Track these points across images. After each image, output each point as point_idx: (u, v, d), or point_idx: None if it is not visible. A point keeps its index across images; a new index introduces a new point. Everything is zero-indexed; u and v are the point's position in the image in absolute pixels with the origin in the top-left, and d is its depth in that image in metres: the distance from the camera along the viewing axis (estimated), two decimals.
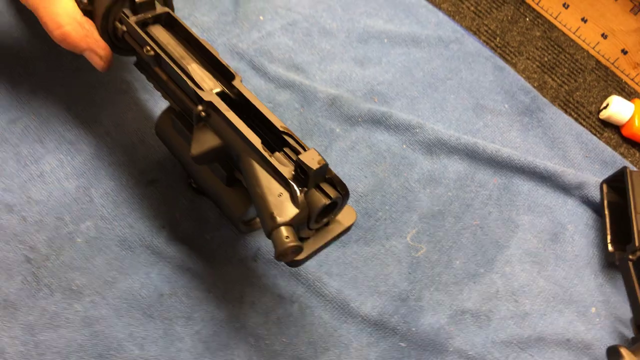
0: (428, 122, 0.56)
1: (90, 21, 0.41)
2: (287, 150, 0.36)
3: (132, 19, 0.40)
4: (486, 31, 0.71)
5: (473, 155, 0.56)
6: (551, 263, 0.51)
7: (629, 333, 0.49)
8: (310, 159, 0.33)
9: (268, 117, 0.37)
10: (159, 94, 0.44)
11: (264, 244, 0.46)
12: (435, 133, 0.55)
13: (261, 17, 0.60)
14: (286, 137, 0.37)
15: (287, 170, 0.34)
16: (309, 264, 0.46)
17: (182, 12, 0.58)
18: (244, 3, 0.60)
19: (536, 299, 0.49)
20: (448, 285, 0.48)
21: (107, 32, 0.42)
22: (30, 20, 0.52)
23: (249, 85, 0.55)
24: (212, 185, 0.41)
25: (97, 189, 0.46)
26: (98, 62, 0.42)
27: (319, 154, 0.33)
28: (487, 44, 0.70)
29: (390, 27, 0.64)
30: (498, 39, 0.70)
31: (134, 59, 0.45)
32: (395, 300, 0.46)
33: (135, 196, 0.46)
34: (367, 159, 0.54)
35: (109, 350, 0.40)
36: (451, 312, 0.47)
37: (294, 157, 0.35)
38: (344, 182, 0.35)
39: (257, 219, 0.45)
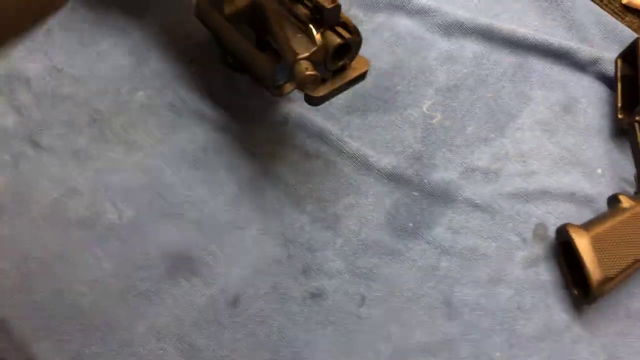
0: (447, 6, 0.59)
1: None
2: (306, 1, 0.41)
3: None
4: None
5: (489, 35, 0.58)
6: (561, 131, 0.55)
7: (632, 191, 0.52)
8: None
9: None
10: None
11: (293, 110, 0.52)
12: (453, 16, 0.58)
13: None
14: None
15: (304, 14, 0.39)
16: (333, 128, 0.52)
17: None
18: None
19: (544, 161, 0.53)
20: (460, 147, 0.53)
21: None
22: None
23: None
24: (244, 48, 0.47)
25: (147, 66, 0.53)
26: None
27: None
28: None
29: None
30: None
31: None
32: (410, 158, 0.51)
33: (180, 72, 0.53)
34: (389, 41, 0.58)
35: (165, 190, 0.48)
36: (462, 169, 0.51)
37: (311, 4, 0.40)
38: (370, 57, 0.40)
39: (287, 85, 0.51)
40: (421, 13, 0.59)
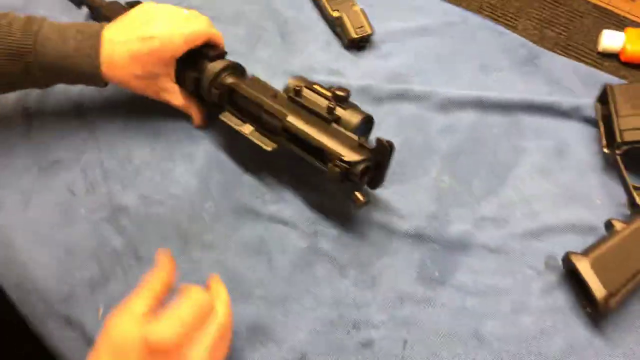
0: (441, 88, 0.72)
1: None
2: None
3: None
4: (488, 7, 0.84)
5: (481, 104, 0.70)
6: (557, 172, 0.63)
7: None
8: None
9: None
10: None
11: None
12: (447, 95, 0.71)
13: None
14: None
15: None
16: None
17: (247, 54, 0.80)
18: (288, 36, 0.81)
19: (546, 201, 0.61)
20: (469, 202, 0.62)
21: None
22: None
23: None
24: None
25: (211, 181, 0.68)
26: (197, 118, 0.70)
27: None
28: (490, 17, 0.83)
29: (404, 25, 0.81)
30: (499, 10, 0.83)
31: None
32: (427, 218, 0.62)
33: (238, 177, 0.68)
34: (395, 125, 0.70)
35: (236, 277, 0.61)
36: (473, 220, 0.61)
37: None
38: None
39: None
40: (420, 98, 0.72)
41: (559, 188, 0.62)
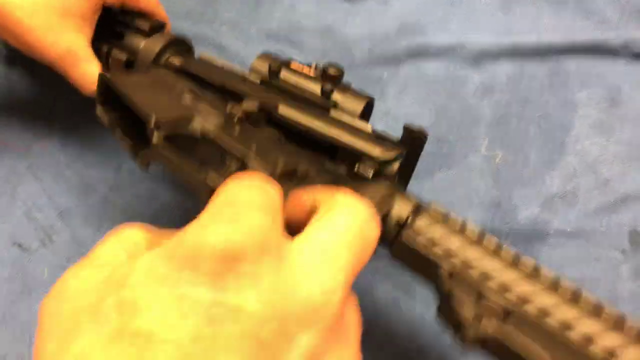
0: (464, 37, 0.59)
1: None
2: None
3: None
4: None
5: (515, 52, 0.58)
6: (617, 127, 0.55)
7: None
8: None
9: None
10: None
11: None
12: (477, 45, 0.58)
13: None
14: None
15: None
16: None
17: (208, 15, 0.61)
18: None
19: (613, 165, 0.54)
20: (530, 178, 0.53)
21: None
22: None
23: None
24: None
25: None
26: None
27: None
28: None
29: None
30: None
31: None
32: (491, 207, 0.52)
33: None
34: (422, 92, 0.58)
35: None
36: (541, 200, 0.52)
37: None
38: (409, 120, 0.41)
39: None
40: (443, 52, 0.59)
41: (623, 147, 0.54)
